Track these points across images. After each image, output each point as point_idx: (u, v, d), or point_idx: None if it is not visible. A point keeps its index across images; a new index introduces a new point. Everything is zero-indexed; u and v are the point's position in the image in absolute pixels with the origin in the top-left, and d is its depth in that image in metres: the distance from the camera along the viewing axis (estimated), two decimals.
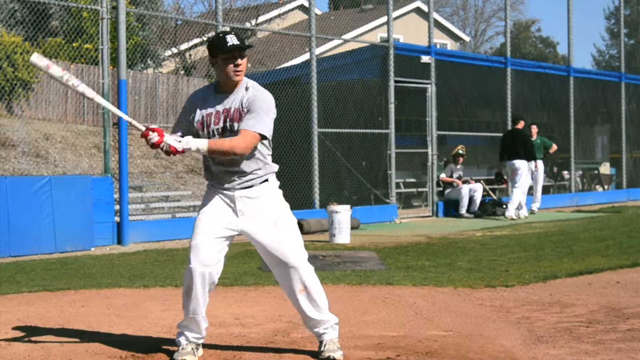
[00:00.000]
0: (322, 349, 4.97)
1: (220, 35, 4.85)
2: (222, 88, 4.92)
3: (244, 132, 4.78)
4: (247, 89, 4.89)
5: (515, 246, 11.23)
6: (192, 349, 4.98)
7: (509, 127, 17.75)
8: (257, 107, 4.82)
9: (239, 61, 4.82)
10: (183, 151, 4.70)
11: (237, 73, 4.84)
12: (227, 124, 4.84)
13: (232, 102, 4.87)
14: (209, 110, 4.90)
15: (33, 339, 5.55)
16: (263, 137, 4.83)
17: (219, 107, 4.88)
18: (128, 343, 5.39)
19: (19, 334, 5.73)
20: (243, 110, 4.83)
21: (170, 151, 4.68)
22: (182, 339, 5.00)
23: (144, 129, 4.73)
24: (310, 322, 5.01)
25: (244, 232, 4.94)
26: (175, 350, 5.00)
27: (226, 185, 4.92)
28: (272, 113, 4.89)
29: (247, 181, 4.91)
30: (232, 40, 4.80)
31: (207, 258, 4.82)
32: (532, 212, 17.82)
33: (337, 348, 4.97)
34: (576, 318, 6.20)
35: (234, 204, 4.90)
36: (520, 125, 16.82)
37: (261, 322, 6.14)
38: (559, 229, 13.89)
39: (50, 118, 19.80)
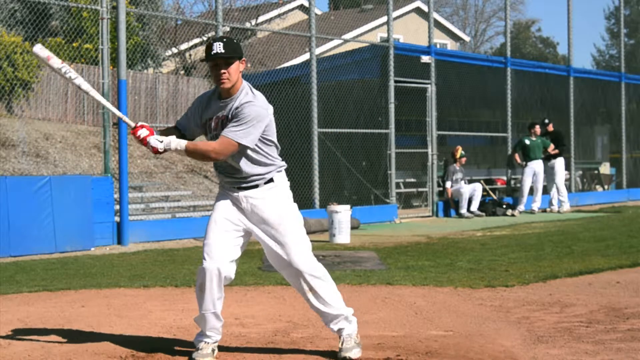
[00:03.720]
0: (341, 346, 4.99)
1: (211, 42, 4.85)
2: (221, 94, 4.94)
3: (222, 138, 4.82)
4: (239, 97, 4.90)
5: (515, 246, 11.23)
6: (212, 349, 5.01)
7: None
8: (242, 116, 4.83)
9: (223, 70, 4.82)
10: (165, 151, 4.80)
11: (222, 80, 4.84)
12: (220, 131, 4.88)
13: (227, 109, 4.89)
14: (210, 114, 4.96)
15: (33, 339, 5.56)
16: (244, 146, 4.84)
17: (218, 113, 4.93)
18: (128, 343, 5.40)
19: (19, 334, 5.73)
20: (228, 119, 4.86)
21: (153, 151, 4.80)
22: (200, 339, 5.02)
23: (133, 125, 4.84)
24: (325, 319, 5.06)
25: (251, 231, 5.00)
26: (194, 350, 5.01)
27: (231, 186, 4.99)
28: (259, 123, 4.85)
29: (250, 182, 4.95)
30: (217, 48, 4.80)
31: (220, 256, 4.87)
32: (532, 212, 17.86)
33: (355, 344, 4.99)
34: (576, 318, 6.20)
35: (240, 203, 4.95)
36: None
37: (261, 322, 6.14)
38: (559, 229, 13.89)
39: (50, 118, 19.80)
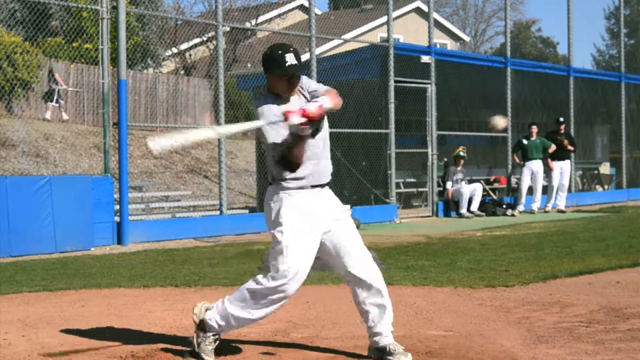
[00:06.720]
0: (392, 351, 4.94)
1: (279, 52, 4.72)
2: (277, 96, 4.82)
3: (331, 90, 4.73)
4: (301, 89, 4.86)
5: (515, 246, 11.22)
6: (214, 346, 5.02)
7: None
8: (323, 87, 4.82)
9: (294, 80, 4.78)
10: (322, 111, 4.54)
11: (290, 89, 4.80)
12: None
13: (297, 102, 4.79)
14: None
15: (33, 339, 5.55)
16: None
17: (295, 107, 4.70)
18: (128, 343, 5.39)
19: (19, 334, 5.72)
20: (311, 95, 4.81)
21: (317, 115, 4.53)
22: (207, 335, 5.01)
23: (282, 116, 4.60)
24: (388, 319, 5.05)
25: (327, 232, 4.94)
26: (194, 348, 5.01)
27: (319, 182, 5.00)
28: None
29: (326, 177, 5.09)
30: (290, 60, 4.71)
31: (303, 279, 4.83)
32: (531, 212, 17.87)
33: (402, 350, 4.98)
34: (576, 318, 6.20)
35: (324, 202, 5.00)
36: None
37: (261, 322, 6.12)
38: (559, 229, 13.88)
39: (51, 118, 19.81)
